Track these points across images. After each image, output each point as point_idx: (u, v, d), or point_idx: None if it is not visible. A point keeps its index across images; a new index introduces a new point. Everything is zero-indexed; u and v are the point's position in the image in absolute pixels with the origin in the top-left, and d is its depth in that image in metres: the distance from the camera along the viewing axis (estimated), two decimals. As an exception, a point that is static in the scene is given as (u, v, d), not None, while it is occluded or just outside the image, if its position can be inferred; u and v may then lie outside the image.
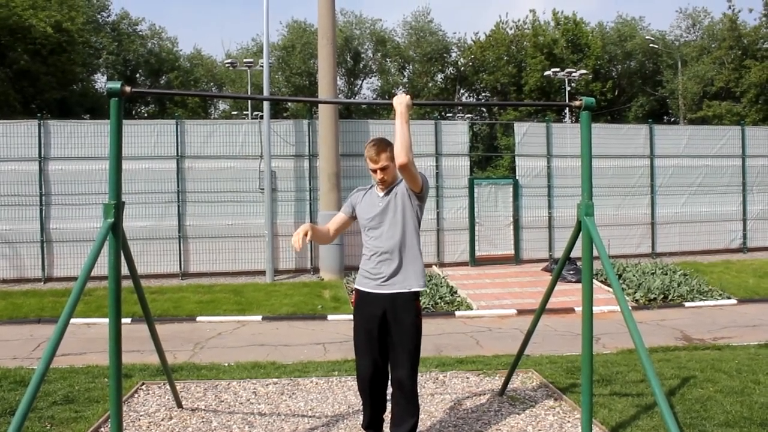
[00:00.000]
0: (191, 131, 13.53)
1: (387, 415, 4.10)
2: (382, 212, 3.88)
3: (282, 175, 13.60)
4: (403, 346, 3.82)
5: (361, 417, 4.68)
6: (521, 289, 12.05)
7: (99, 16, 39.02)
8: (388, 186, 3.89)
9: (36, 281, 12.72)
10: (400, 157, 3.61)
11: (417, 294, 3.90)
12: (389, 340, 3.85)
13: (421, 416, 4.68)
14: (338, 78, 26.51)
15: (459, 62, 41.97)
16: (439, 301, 10.76)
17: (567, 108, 29.94)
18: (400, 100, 3.83)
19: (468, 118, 32.79)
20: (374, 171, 3.88)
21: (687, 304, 10.94)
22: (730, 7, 35.13)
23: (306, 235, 3.69)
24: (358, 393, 5.26)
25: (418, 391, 5.29)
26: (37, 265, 12.84)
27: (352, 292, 11.48)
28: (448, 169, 14.29)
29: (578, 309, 9.75)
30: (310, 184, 13.71)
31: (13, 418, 2.96)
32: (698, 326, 9.26)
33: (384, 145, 3.87)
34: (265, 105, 14.23)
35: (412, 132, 3.88)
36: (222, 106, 45.98)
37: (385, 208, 3.87)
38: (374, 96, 42.26)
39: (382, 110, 36.41)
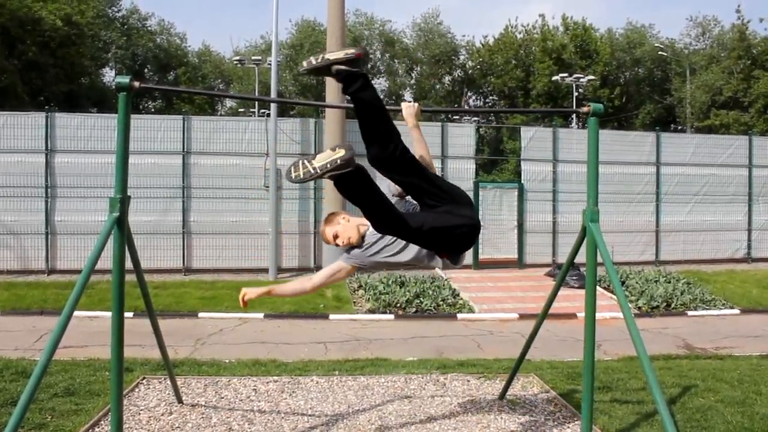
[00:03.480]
0: (198, 127, 13.55)
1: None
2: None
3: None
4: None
5: (361, 417, 4.69)
6: (524, 293, 12.03)
7: (109, 11, 39.17)
8: (357, 239, 3.84)
9: (40, 273, 12.75)
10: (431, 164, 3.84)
11: None
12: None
13: (420, 418, 4.69)
14: (346, 78, 26.39)
15: (467, 65, 41.96)
16: (441, 303, 10.74)
17: (574, 113, 29.90)
18: (411, 111, 3.85)
19: (475, 121, 32.82)
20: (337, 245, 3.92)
21: (690, 312, 10.90)
22: (739, 18, 35.01)
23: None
24: (357, 394, 5.27)
25: (419, 393, 5.30)
26: (41, 256, 12.87)
27: (355, 291, 11.52)
28: (453, 172, 14.27)
29: (580, 315, 9.72)
30: (315, 183, 13.69)
31: (14, 408, 2.97)
32: (700, 335, 9.23)
33: (324, 227, 3.91)
34: (272, 103, 14.25)
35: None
36: (229, 102, 46.06)
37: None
38: (381, 97, 42.24)
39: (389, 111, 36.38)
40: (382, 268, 4.12)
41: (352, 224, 3.84)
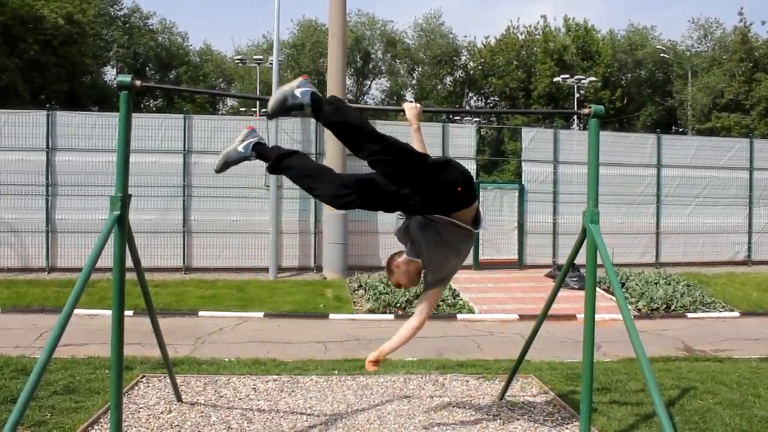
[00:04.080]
0: (199, 126, 13.57)
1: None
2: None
3: (288, 172, 13.57)
4: None
5: (360, 416, 4.70)
6: (524, 294, 12.04)
7: (110, 9, 39.17)
8: (416, 277, 3.91)
9: (40, 271, 12.76)
10: None
11: None
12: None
13: (419, 418, 4.70)
14: (347, 78, 26.57)
15: (468, 65, 41.95)
16: (441, 303, 10.74)
17: (575, 115, 29.86)
18: (415, 113, 3.89)
19: (476, 121, 32.79)
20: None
21: (689, 314, 10.91)
22: (741, 20, 34.97)
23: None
24: (356, 393, 5.27)
25: (418, 393, 5.32)
26: (42, 254, 12.88)
27: (355, 291, 11.52)
28: (454, 172, 14.24)
29: (580, 316, 9.73)
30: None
31: (14, 406, 2.98)
32: (700, 337, 9.23)
33: (389, 275, 4.01)
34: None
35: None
36: (230, 102, 46.07)
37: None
38: (383, 97, 42.33)
39: (390, 111, 36.43)
40: (455, 267, 4.10)
41: (402, 268, 3.89)
